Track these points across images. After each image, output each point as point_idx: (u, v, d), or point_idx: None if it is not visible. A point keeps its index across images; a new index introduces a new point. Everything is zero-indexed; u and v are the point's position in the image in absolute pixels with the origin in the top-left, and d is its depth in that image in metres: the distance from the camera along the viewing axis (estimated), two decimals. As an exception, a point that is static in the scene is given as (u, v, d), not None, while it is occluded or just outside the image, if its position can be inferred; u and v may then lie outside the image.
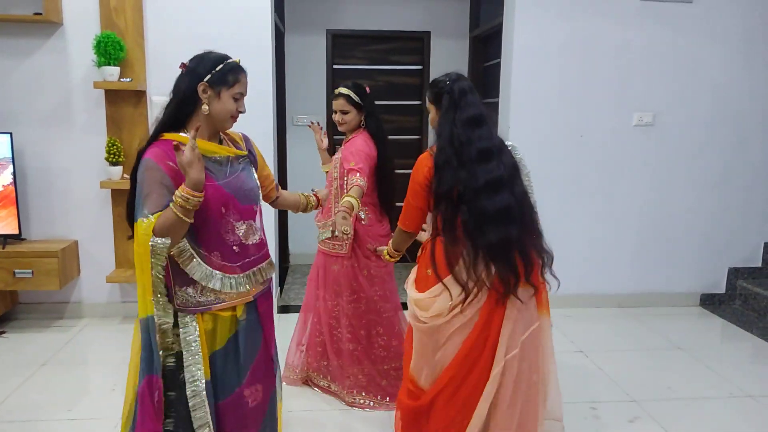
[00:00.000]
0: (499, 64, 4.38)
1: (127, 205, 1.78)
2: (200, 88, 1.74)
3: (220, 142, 1.87)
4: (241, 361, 1.85)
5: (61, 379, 3.14)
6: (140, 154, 1.72)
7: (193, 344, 1.74)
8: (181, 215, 1.60)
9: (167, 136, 1.73)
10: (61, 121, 3.80)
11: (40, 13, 3.58)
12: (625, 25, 4.08)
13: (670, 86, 4.19)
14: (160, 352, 1.71)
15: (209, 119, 1.77)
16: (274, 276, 3.26)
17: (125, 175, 3.82)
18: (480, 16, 5.14)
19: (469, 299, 1.95)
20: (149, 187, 1.66)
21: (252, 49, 3.82)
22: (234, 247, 1.80)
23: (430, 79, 5.38)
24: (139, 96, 3.80)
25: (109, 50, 3.55)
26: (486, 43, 5.16)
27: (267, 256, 1.96)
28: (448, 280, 1.97)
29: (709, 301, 4.45)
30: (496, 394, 1.97)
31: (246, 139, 2.02)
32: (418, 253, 2.21)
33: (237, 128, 1.96)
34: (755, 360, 3.64)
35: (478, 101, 2.05)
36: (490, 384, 1.96)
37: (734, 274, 4.44)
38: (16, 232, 3.70)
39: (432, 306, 2.01)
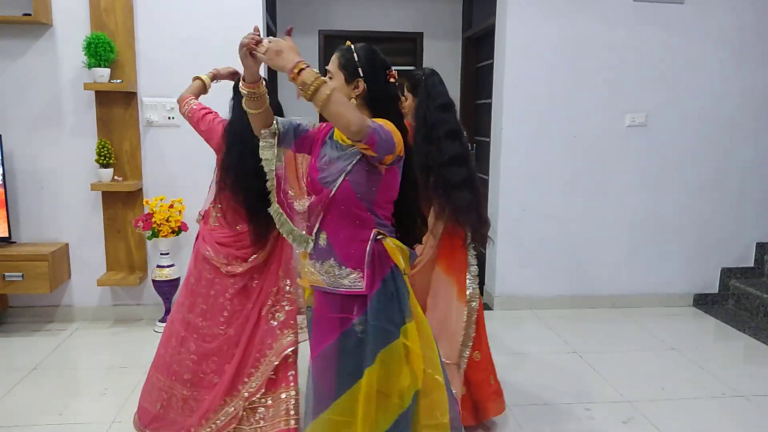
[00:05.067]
0: (491, 65, 4.38)
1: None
2: None
3: None
4: None
5: (52, 383, 3.11)
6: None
7: None
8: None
9: None
10: (51, 123, 3.77)
11: (30, 14, 3.54)
12: (617, 26, 4.09)
13: (663, 87, 4.20)
14: None
15: None
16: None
17: (116, 177, 3.79)
18: (473, 17, 5.14)
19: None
20: None
21: (244, 50, 3.80)
22: None
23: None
24: (129, 98, 3.77)
25: (99, 51, 3.53)
26: (479, 44, 5.16)
27: None
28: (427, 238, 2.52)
29: (702, 301, 4.46)
30: None
31: None
32: None
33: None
34: (748, 360, 3.65)
35: (447, 92, 2.55)
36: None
37: (727, 274, 4.45)
38: (6, 235, 3.67)
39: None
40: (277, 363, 2.42)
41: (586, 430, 2.72)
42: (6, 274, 3.56)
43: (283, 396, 2.43)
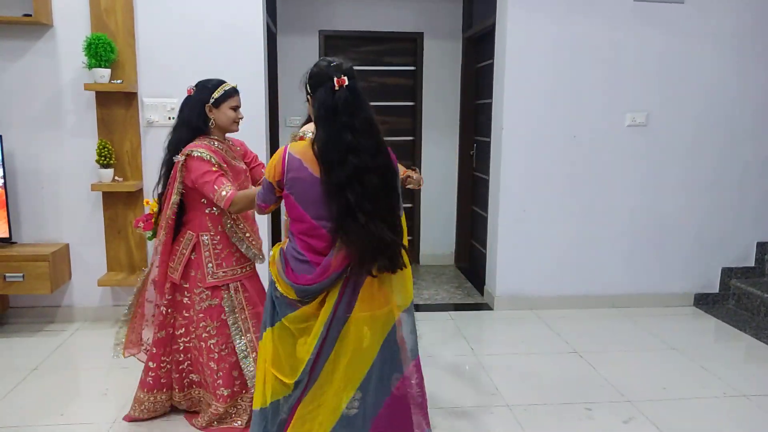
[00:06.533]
0: (491, 65, 4.38)
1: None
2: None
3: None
4: None
5: (53, 383, 3.11)
6: None
7: None
8: None
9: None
10: (52, 124, 3.77)
11: (30, 15, 3.55)
12: (617, 26, 4.09)
13: (663, 87, 4.19)
14: None
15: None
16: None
17: (116, 178, 3.79)
18: (473, 17, 5.14)
19: None
20: None
21: (244, 50, 3.81)
22: None
23: (423, 81, 5.33)
24: (130, 98, 3.78)
25: (99, 52, 3.53)
26: (479, 44, 5.16)
27: None
28: None
29: (703, 301, 4.46)
30: None
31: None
32: None
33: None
34: (749, 359, 3.65)
35: None
36: None
37: (727, 273, 4.45)
38: (6, 235, 3.67)
39: None
40: None
41: (587, 430, 2.73)
42: (6, 274, 3.57)
43: None
